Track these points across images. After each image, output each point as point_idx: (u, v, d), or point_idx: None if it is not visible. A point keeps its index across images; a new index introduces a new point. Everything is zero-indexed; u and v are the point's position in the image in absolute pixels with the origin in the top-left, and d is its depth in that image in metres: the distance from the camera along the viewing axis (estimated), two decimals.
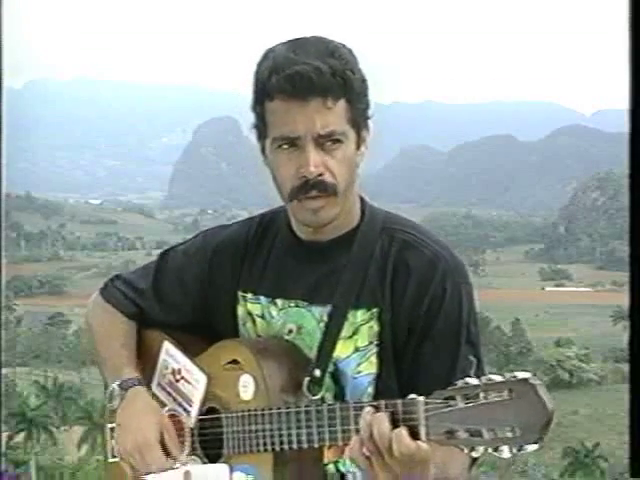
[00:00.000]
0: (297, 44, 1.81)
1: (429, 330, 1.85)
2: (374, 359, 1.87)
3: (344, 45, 1.84)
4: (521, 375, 1.51)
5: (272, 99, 1.79)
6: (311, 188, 1.81)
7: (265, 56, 1.82)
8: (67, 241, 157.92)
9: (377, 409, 1.65)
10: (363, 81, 1.83)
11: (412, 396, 1.63)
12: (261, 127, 1.85)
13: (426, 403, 1.59)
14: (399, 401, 1.63)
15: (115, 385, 1.99)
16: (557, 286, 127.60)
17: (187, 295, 2.04)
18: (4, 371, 64.39)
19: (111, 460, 2.11)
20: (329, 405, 1.77)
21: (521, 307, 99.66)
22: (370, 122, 1.88)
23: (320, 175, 1.80)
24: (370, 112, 1.88)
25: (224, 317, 2.01)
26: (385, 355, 1.87)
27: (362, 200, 1.94)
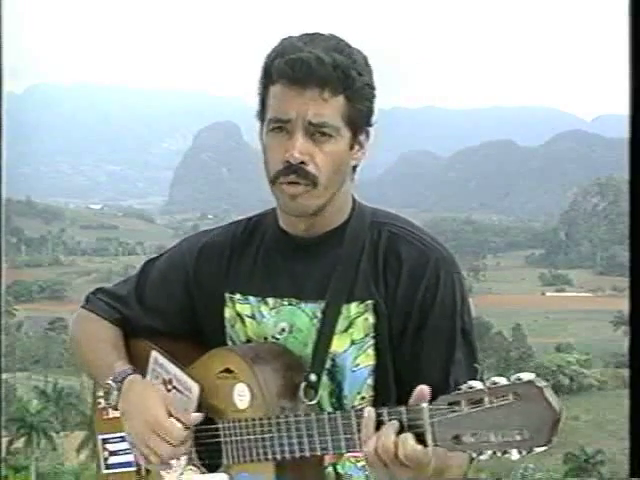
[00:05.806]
0: (310, 36, 1.85)
1: (425, 319, 1.85)
2: (371, 351, 1.86)
3: (360, 51, 1.87)
4: (526, 377, 1.50)
5: (274, 83, 1.83)
6: (291, 173, 1.82)
7: (278, 43, 1.86)
8: (68, 246, 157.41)
9: (380, 418, 1.63)
10: (369, 86, 1.86)
11: (414, 401, 1.61)
12: (262, 110, 1.88)
13: (430, 409, 1.57)
14: (403, 408, 1.62)
15: (109, 380, 1.95)
16: (558, 291, 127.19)
17: (171, 299, 2.02)
18: (4, 376, 64.20)
19: (105, 472, 2.08)
20: (329, 414, 1.75)
21: (521, 312, 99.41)
22: (372, 129, 1.89)
23: (303, 163, 1.81)
24: (373, 119, 1.89)
25: (212, 320, 1.98)
26: (382, 346, 1.86)
27: (354, 200, 1.95)
